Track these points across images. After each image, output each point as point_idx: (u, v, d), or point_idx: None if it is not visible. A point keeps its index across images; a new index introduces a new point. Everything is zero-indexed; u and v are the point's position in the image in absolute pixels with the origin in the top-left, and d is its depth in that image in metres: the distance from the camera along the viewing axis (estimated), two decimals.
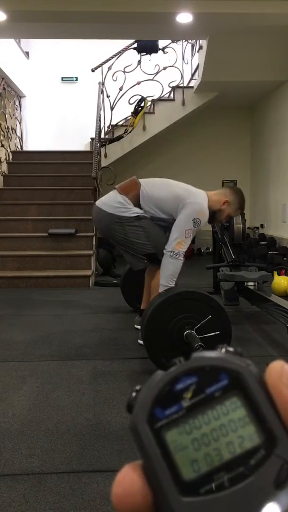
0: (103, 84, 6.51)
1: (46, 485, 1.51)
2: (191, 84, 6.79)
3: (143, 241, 2.81)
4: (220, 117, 7.63)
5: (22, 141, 7.62)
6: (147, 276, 3.06)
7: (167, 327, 2.34)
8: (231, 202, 2.91)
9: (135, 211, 2.81)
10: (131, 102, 6.52)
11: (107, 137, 6.69)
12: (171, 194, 2.80)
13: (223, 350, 0.26)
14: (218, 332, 2.30)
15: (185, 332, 2.31)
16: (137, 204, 2.83)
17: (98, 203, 2.96)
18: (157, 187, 2.85)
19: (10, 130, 6.87)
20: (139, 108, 6.50)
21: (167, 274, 2.71)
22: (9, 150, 6.76)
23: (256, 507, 0.23)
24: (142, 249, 2.84)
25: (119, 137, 6.57)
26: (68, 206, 5.87)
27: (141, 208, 2.83)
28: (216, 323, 2.33)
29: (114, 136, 6.70)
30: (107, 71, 6.49)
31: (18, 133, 7.47)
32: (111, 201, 2.87)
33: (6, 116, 6.72)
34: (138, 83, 6.53)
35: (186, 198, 2.75)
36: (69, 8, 4.39)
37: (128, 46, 6.37)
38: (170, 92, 6.87)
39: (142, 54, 6.40)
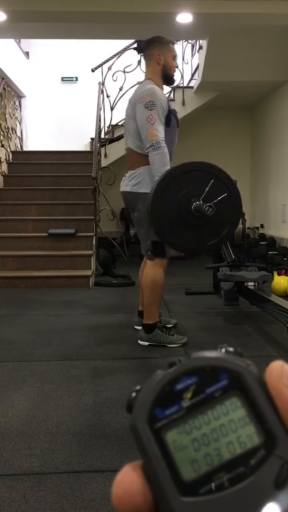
0: (103, 84, 6.50)
1: (46, 485, 1.51)
2: (191, 84, 6.79)
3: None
4: (220, 117, 7.63)
5: (22, 141, 7.62)
6: (139, 277, 3.06)
7: (174, 205, 2.26)
8: (161, 50, 2.85)
9: (147, 182, 2.73)
10: None
11: (107, 137, 6.69)
12: (129, 120, 2.80)
13: (223, 350, 0.26)
14: (226, 194, 2.21)
15: (193, 205, 2.23)
16: (144, 159, 2.74)
17: (121, 188, 2.92)
18: (126, 131, 2.86)
19: (10, 130, 6.87)
20: None
21: (157, 166, 2.62)
22: (9, 150, 6.76)
23: (256, 507, 0.23)
24: (152, 234, 2.76)
25: (119, 137, 6.57)
26: (68, 206, 5.87)
27: (146, 156, 2.74)
28: (221, 187, 2.23)
29: (114, 136, 6.70)
30: (107, 71, 6.48)
31: (18, 133, 7.47)
32: (128, 180, 2.83)
33: (6, 116, 6.72)
34: (138, 83, 6.53)
35: (131, 105, 2.75)
36: (69, 8, 4.39)
37: (128, 46, 6.36)
38: (170, 92, 6.86)
39: (142, 54, 6.39)
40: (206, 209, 2.12)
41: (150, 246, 2.79)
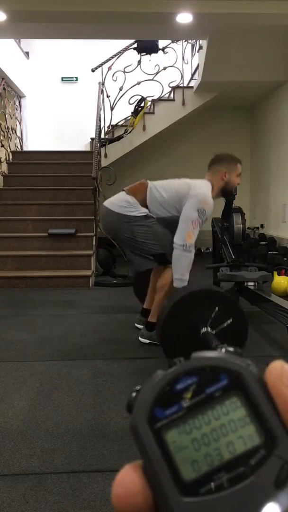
0: (103, 84, 6.50)
1: (46, 485, 1.51)
2: (191, 84, 6.79)
3: (151, 241, 2.82)
4: (220, 117, 7.63)
5: (22, 141, 7.62)
6: (153, 276, 3.06)
7: (183, 330, 2.34)
8: (228, 168, 2.92)
9: (142, 211, 2.83)
10: (131, 102, 6.52)
11: (107, 137, 6.69)
12: (174, 192, 2.83)
13: (223, 350, 0.26)
14: (231, 320, 2.28)
15: (201, 331, 2.30)
16: (144, 205, 2.85)
17: (106, 203, 2.96)
18: (162, 188, 2.87)
19: (10, 130, 6.87)
20: (139, 108, 6.50)
21: (181, 268, 2.74)
22: (9, 150, 6.76)
23: (256, 507, 0.23)
24: (150, 249, 2.84)
25: (119, 137, 6.57)
26: (68, 206, 5.87)
27: (148, 210, 2.85)
28: (226, 312, 2.31)
29: (114, 136, 6.70)
30: (107, 71, 6.48)
31: (18, 133, 7.47)
32: (119, 200, 2.88)
33: (6, 116, 6.71)
34: (138, 83, 6.54)
35: (187, 191, 2.78)
36: (69, 8, 4.39)
37: (128, 46, 6.37)
38: (170, 92, 6.87)
39: (142, 54, 6.40)
40: (215, 347, 2.17)
41: (152, 258, 2.90)
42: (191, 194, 2.77)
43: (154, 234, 2.81)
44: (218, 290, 2.48)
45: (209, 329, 2.29)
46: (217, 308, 2.31)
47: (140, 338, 2.92)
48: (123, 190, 2.94)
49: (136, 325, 3.18)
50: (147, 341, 2.88)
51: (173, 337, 2.38)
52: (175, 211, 2.81)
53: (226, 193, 3.01)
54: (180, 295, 2.47)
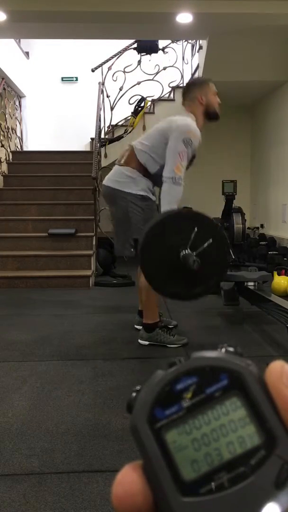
0: (103, 84, 6.50)
1: (46, 485, 1.51)
2: None
3: (139, 224, 2.79)
4: (220, 117, 7.62)
5: (22, 141, 7.62)
6: (139, 275, 3.06)
7: (163, 251, 2.28)
8: (202, 91, 2.89)
9: (141, 188, 2.78)
10: (131, 102, 6.52)
11: (107, 137, 6.69)
12: (157, 132, 2.81)
13: (223, 350, 0.26)
14: (211, 240, 2.22)
15: (181, 254, 2.24)
16: (140, 167, 2.80)
17: (104, 181, 2.94)
18: (144, 138, 2.86)
19: (10, 130, 6.87)
20: (139, 108, 6.50)
21: (170, 200, 2.68)
22: (9, 150, 6.76)
23: (256, 507, 0.23)
24: (134, 231, 2.81)
25: (119, 137, 6.57)
26: (68, 206, 5.87)
27: (144, 167, 2.78)
28: (206, 234, 2.24)
29: (114, 136, 6.70)
30: (107, 71, 6.48)
31: (18, 133, 7.47)
32: (114, 175, 2.87)
33: (6, 116, 6.72)
34: (138, 83, 6.53)
35: (169, 127, 2.76)
36: (69, 8, 4.39)
37: (128, 46, 6.37)
38: (170, 92, 6.87)
39: (142, 54, 6.40)
40: (192, 263, 2.12)
41: (132, 243, 2.85)
42: (173, 128, 2.73)
43: (144, 219, 2.78)
44: (196, 211, 2.40)
45: (189, 251, 2.23)
46: (196, 229, 2.23)
47: (139, 340, 2.91)
48: (116, 164, 2.92)
49: (135, 326, 3.18)
50: (146, 342, 2.88)
51: (153, 260, 2.30)
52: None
53: (211, 115, 2.94)
54: (157, 218, 2.39)
